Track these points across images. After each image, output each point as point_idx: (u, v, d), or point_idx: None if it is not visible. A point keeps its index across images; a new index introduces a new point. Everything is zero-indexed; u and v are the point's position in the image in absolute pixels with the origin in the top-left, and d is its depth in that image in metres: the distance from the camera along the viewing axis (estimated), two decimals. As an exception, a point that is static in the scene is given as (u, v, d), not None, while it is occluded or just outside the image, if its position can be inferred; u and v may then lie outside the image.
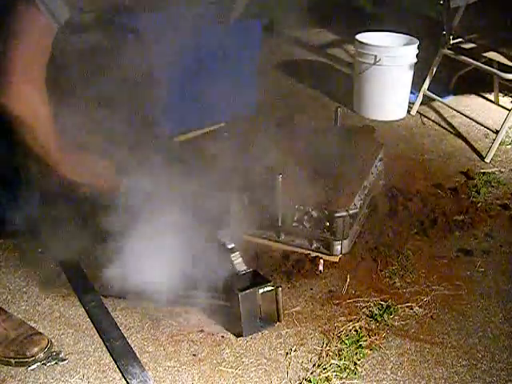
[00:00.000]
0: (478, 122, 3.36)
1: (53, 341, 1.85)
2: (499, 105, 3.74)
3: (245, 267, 1.97)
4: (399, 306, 2.05)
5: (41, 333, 1.85)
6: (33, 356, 1.78)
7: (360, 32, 3.57)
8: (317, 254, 2.28)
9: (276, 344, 1.89)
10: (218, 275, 1.97)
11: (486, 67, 3.23)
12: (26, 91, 1.60)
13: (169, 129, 2.81)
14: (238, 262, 1.97)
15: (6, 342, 1.80)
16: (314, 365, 1.81)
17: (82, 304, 2.02)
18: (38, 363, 1.78)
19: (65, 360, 1.79)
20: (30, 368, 1.77)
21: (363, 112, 3.56)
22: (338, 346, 1.88)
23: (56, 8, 1.57)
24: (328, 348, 1.87)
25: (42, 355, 1.79)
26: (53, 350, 1.82)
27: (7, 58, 1.57)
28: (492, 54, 3.23)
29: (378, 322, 1.98)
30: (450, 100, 3.74)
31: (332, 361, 1.82)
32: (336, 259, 2.28)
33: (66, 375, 1.75)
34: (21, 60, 1.58)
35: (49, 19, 1.58)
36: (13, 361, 1.78)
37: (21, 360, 1.78)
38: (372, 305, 2.05)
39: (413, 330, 1.96)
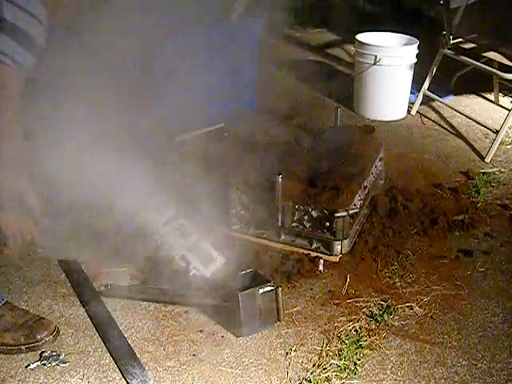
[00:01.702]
0: (478, 122, 3.36)
1: (53, 340, 1.85)
2: (499, 105, 3.74)
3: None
4: (399, 306, 2.05)
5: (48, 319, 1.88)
6: (42, 339, 1.81)
7: (360, 32, 3.57)
8: (317, 254, 2.28)
9: (276, 344, 1.89)
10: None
11: (486, 67, 3.24)
12: None
13: (169, 129, 2.81)
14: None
15: (16, 328, 1.83)
16: (314, 365, 1.81)
17: (81, 304, 2.02)
18: (38, 363, 1.78)
19: (66, 363, 1.79)
20: (29, 367, 1.77)
21: (363, 112, 3.56)
22: (338, 346, 1.87)
23: (19, 55, 1.56)
24: (328, 348, 1.87)
25: (51, 338, 1.82)
26: (53, 352, 1.82)
27: None
28: (492, 54, 3.23)
29: (378, 322, 1.98)
30: (450, 100, 3.74)
31: (332, 361, 1.82)
32: (336, 259, 2.28)
33: (66, 375, 1.75)
34: None
35: (14, 68, 1.57)
36: (23, 347, 1.81)
37: (31, 345, 1.80)
38: (372, 305, 2.05)
39: (413, 330, 1.96)
